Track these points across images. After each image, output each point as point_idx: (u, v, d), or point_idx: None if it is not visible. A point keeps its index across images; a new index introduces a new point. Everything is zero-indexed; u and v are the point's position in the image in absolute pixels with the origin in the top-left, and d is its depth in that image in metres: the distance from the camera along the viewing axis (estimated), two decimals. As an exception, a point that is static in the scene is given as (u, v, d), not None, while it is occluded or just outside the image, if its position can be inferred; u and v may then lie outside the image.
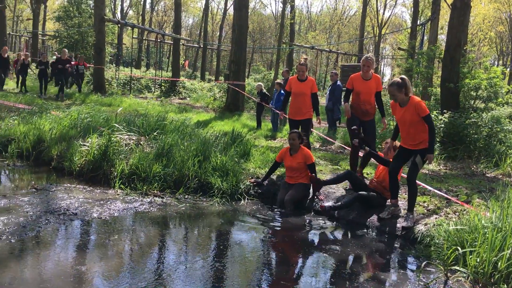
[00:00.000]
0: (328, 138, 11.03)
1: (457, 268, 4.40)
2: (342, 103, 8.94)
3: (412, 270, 4.70)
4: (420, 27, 22.93)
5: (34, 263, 4.31)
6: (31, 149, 8.64)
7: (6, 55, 18.14)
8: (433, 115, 10.74)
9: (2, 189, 6.97)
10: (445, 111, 10.70)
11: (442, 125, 10.28)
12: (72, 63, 18.56)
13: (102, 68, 20.40)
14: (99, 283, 4.01)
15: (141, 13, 46.29)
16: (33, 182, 7.18)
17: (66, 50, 18.06)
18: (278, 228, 6.07)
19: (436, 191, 6.72)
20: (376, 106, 7.44)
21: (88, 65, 21.42)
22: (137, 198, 6.71)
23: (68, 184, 7.17)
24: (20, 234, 4.90)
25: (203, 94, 24.45)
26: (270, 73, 29.48)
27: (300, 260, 5.02)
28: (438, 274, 4.49)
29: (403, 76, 5.87)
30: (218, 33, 46.67)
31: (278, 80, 14.98)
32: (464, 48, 12.06)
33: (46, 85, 17.72)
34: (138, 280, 4.08)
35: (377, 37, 40.85)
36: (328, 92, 13.15)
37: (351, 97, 7.39)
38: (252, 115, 17.50)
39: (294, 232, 5.89)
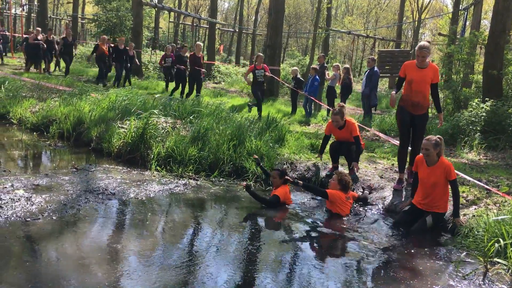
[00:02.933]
0: (362, 126, 10.85)
1: (498, 260, 4.29)
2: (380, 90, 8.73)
3: (450, 261, 4.60)
4: (462, 11, 22.15)
5: (74, 240, 4.44)
6: (71, 130, 8.87)
7: (51, 37, 18.11)
8: (474, 103, 10.42)
9: (44, 168, 7.21)
10: (487, 99, 10.34)
11: (484, 114, 9.94)
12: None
13: (139, 52, 20.64)
14: (134, 260, 4.10)
15: (177, -3, 46.49)
16: (73, 162, 7.39)
17: (123, 39, 17.02)
18: (312, 212, 6.04)
19: (475, 181, 6.53)
20: (431, 99, 6.77)
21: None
22: (172, 180, 6.81)
23: (107, 165, 7.34)
24: (61, 211, 5.06)
25: (238, 78, 24.46)
26: (305, 58, 29.17)
27: (336, 247, 4.99)
28: (477, 265, 4.38)
29: (439, 136, 5.60)
30: (253, 18, 46.48)
31: (313, 65, 14.83)
32: (509, 34, 11.57)
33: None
34: (172, 259, 4.15)
35: (416, 22, 39.74)
36: (364, 78, 12.92)
37: (403, 86, 6.70)
38: (286, 100, 17.41)
39: (332, 219, 5.85)
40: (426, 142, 5.45)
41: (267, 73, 12.21)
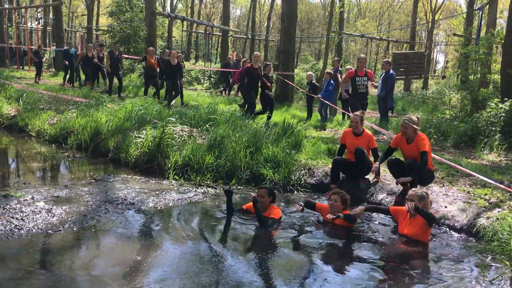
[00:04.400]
0: (378, 129, 10.75)
1: (525, 264, 4.19)
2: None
3: (475, 266, 4.50)
4: (477, 11, 21.91)
5: (95, 250, 4.46)
6: (89, 141, 8.95)
7: (102, 54, 16.58)
8: (493, 103, 10.26)
9: (63, 179, 7.28)
10: (506, 99, 10.16)
11: (503, 114, 9.77)
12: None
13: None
14: (155, 270, 4.09)
15: (189, 5, 46.84)
16: (91, 173, 7.44)
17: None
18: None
19: (497, 184, 6.41)
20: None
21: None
22: (190, 188, 6.81)
23: (125, 175, 7.38)
24: (81, 222, 5.09)
25: (252, 85, 24.45)
26: (318, 63, 29.08)
27: (355, 250, 4.92)
28: (504, 270, 4.29)
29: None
30: (265, 24, 46.59)
31: (328, 70, 14.77)
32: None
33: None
34: (193, 269, 4.13)
35: (430, 23, 39.40)
36: (380, 81, 12.80)
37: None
38: (301, 106, 17.36)
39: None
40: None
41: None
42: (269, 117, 11.83)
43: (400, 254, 4.84)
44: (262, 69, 12.27)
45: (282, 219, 5.61)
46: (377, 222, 5.84)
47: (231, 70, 20.59)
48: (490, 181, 6.50)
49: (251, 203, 5.55)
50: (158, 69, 15.18)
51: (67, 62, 18.12)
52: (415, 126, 6.22)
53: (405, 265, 4.58)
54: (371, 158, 7.04)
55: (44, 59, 19.97)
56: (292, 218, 5.83)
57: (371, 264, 4.55)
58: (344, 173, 7.16)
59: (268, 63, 13.64)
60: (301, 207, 5.65)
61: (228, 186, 5.69)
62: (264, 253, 4.65)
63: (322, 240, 5.18)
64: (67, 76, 18.25)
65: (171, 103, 13.57)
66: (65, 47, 19.99)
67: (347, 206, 5.60)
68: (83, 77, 17.96)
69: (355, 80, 9.76)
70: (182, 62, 15.98)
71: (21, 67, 25.77)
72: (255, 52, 12.75)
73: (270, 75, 13.05)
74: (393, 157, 6.67)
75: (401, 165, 6.40)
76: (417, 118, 6.36)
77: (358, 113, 7.24)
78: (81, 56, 16.41)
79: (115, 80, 15.84)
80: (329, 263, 4.55)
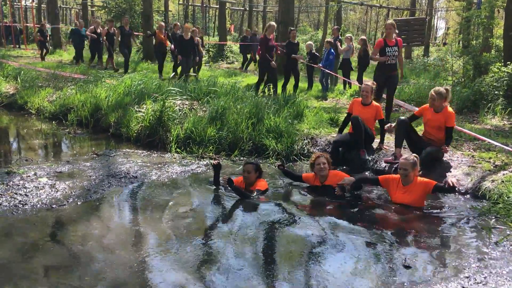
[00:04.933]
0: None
1: (531, 225, 4.19)
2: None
3: (481, 228, 4.50)
4: (478, -25, 21.45)
5: (100, 223, 4.45)
6: (89, 117, 8.90)
7: (113, 30, 15.17)
8: (495, 67, 10.13)
9: (65, 155, 7.26)
10: (509, 62, 10.03)
11: (506, 78, 9.65)
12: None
13: (150, 38, 20.48)
14: (159, 241, 4.09)
15: (185, -22, 46.02)
16: (93, 149, 7.42)
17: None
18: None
19: (503, 146, 6.37)
20: None
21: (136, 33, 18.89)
22: (193, 161, 6.79)
23: (127, 150, 7.35)
24: (85, 196, 5.08)
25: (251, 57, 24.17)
26: (317, 33, 28.68)
27: (360, 216, 4.91)
28: (508, 231, 4.28)
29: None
30: (263, -5, 45.75)
31: (328, 39, 14.56)
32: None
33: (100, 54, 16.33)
34: (197, 239, 4.13)
35: (430, -11, 38.67)
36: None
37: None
38: (302, 76, 17.17)
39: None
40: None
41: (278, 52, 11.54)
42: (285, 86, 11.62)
43: (400, 220, 4.81)
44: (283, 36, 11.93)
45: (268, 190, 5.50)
46: (371, 191, 5.78)
47: (247, 43, 20.07)
48: (495, 143, 6.46)
49: (240, 177, 5.52)
50: (169, 44, 14.48)
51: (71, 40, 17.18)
52: (447, 97, 6.18)
53: (407, 230, 4.58)
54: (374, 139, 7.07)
55: (48, 37, 19.46)
56: (282, 189, 5.80)
57: (370, 232, 4.53)
58: (349, 149, 7.05)
59: (292, 28, 12.93)
60: (280, 163, 5.88)
61: (216, 161, 5.55)
62: (266, 225, 4.65)
63: (314, 211, 5.17)
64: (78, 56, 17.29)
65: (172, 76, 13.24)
66: (74, 26, 19.23)
67: (331, 166, 5.64)
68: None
69: (384, 51, 8.06)
70: (201, 37, 15.29)
71: (17, 45, 25.48)
72: (270, 22, 11.78)
73: (296, 42, 12.36)
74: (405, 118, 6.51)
75: (410, 129, 6.38)
76: (446, 90, 6.22)
77: (369, 83, 7.18)
78: (105, 32, 15.12)
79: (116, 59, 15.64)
80: (324, 233, 4.52)
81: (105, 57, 15.82)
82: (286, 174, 5.95)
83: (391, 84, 8.23)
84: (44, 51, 18.31)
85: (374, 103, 7.11)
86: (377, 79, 8.06)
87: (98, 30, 15.44)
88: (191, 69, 13.83)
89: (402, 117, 6.63)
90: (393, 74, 8.22)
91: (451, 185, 4.79)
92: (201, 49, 14.96)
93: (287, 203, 5.30)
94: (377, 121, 7.12)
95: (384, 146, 6.97)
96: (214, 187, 5.59)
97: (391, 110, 8.72)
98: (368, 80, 7.80)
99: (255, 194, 5.23)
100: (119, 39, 14.69)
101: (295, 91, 11.46)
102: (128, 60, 14.68)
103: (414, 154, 5.29)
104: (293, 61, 11.87)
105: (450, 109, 6.19)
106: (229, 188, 5.30)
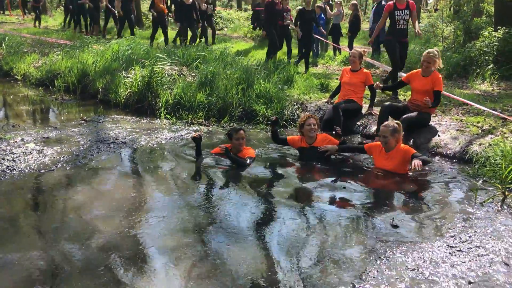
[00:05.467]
0: (372, 62, 10.59)
1: (517, 186, 4.25)
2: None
3: (467, 190, 4.56)
4: None
5: (90, 188, 4.44)
6: (76, 83, 8.77)
7: None
8: (486, 32, 10.09)
9: (53, 122, 7.18)
10: (499, 27, 9.99)
11: (496, 43, 9.63)
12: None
13: (138, 1, 20.05)
14: (151, 205, 4.09)
15: None
16: (81, 115, 7.34)
17: None
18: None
19: (490, 110, 6.40)
20: None
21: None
22: (183, 127, 6.76)
23: (115, 116, 7.28)
24: (74, 162, 5.04)
25: (241, 23, 23.82)
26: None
27: (347, 179, 4.96)
28: (495, 192, 4.34)
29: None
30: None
31: (318, 4, 14.35)
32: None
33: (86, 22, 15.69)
34: (188, 203, 4.15)
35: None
36: (372, 14, 12.50)
37: None
38: (292, 42, 16.98)
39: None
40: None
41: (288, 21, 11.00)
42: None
43: (387, 183, 4.84)
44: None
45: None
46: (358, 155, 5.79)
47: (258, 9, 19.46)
48: (483, 108, 6.50)
49: (218, 148, 5.29)
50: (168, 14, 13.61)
51: (70, 6, 15.97)
52: (440, 61, 6.14)
53: (394, 192, 4.64)
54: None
55: (41, 3, 18.84)
56: (271, 154, 5.78)
57: (358, 194, 4.59)
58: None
59: None
60: (275, 117, 5.69)
61: (197, 133, 5.32)
62: (257, 186, 4.67)
63: (302, 175, 5.19)
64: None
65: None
66: None
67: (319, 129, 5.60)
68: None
69: (394, 15, 7.58)
70: (210, 3, 14.46)
71: (1, 11, 24.84)
72: None
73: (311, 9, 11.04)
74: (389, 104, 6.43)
75: (393, 110, 6.30)
76: (437, 51, 6.20)
77: (358, 48, 7.14)
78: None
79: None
80: (312, 196, 4.56)
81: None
82: (273, 135, 5.75)
83: (403, 51, 7.72)
84: (37, 20, 17.72)
85: (364, 69, 7.09)
86: (389, 46, 7.68)
87: None
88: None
89: (387, 103, 6.57)
90: (404, 40, 7.68)
91: (414, 167, 4.63)
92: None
93: (276, 168, 5.33)
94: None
95: (374, 111, 6.97)
96: (198, 159, 5.36)
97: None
98: (359, 47, 7.76)
99: (248, 161, 5.18)
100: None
101: (289, 58, 11.24)
102: (132, 25, 14.19)
103: (396, 121, 5.21)
104: (308, 32, 10.64)
105: (438, 73, 6.18)
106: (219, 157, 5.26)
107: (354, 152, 5.65)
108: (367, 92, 7.21)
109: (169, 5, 14.77)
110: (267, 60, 10.19)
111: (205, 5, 13.38)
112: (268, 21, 10.57)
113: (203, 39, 13.85)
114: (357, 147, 5.62)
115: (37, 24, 17.65)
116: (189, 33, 12.40)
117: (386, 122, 5.27)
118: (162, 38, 13.06)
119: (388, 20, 7.97)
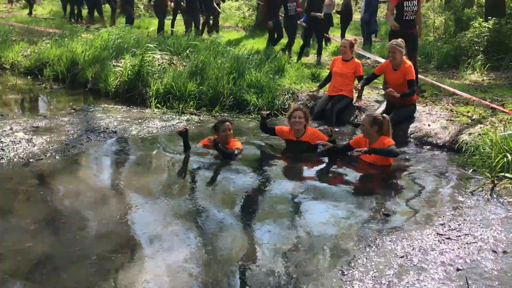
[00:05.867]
0: (363, 52, 10.59)
1: (506, 175, 4.28)
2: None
3: (457, 178, 4.60)
4: None
5: (80, 177, 4.42)
6: (66, 71, 8.67)
7: None
8: (477, 23, 10.12)
9: (42, 111, 7.11)
10: (490, 17, 10.02)
11: (487, 34, 9.67)
12: None
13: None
14: (141, 194, 4.08)
15: None
16: (71, 104, 7.27)
17: None
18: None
19: (480, 100, 6.45)
20: None
21: None
22: (174, 116, 6.72)
23: (105, 105, 7.22)
24: (64, 151, 5.00)
25: (232, 13, 23.70)
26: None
27: (338, 170, 4.98)
28: (485, 181, 4.38)
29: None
30: None
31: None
32: None
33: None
34: (178, 191, 4.16)
35: None
36: (363, 3, 12.48)
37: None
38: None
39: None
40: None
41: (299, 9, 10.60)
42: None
43: (377, 172, 4.84)
44: None
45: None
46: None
47: None
48: (474, 98, 6.54)
49: (206, 140, 5.18)
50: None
51: None
52: (403, 50, 6.09)
53: (385, 182, 4.68)
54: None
55: None
56: (260, 145, 5.70)
57: (348, 184, 4.62)
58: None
59: None
60: (266, 113, 5.59)
61: (181, 128, 5.10)
62: (247, 175, 4.67)
63: (291, 166, 5.17)
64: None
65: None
66: None
67: (308, 122, 5.44)
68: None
69: (402, 6, 7.15)
70: None
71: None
72: None
73: None
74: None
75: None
76: (402, 41, 6.20)
77: (348, 38, 7.11)
78: None
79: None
80: (302, 187, 4.56)
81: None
82: (261, 126, 5.66)
83: (411, 43, 7.06)
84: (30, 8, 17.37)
85: (355, 59, 7.07)
86: (391, 38, 7.14)
87: None
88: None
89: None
90: (410, 31, 7.20)
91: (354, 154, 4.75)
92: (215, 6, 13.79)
93: (265, 158, 5.33)
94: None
95: (362, 103, 6.94)
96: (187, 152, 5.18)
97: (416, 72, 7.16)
98: (350, 37, 7.74)
99: (236, 152, 5.09)
100: None
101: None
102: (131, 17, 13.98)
103: (383, 115, 5.05)
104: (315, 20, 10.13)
105: (407, 62, 6.13)
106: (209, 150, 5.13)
107: (343, 153, 5.28)
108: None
109: None
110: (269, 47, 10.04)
111: None
112: (272, 11, 10.47)
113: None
114: (345, 147, 5.28)
115: (30, 13, 17.21)
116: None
117: (368, 113, 5.20)
118: (154, 27, 12.92)
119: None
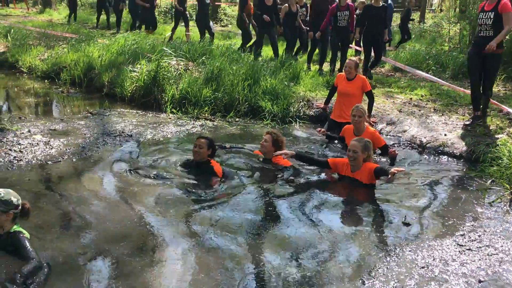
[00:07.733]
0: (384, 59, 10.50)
1: (525, 186, 4.24)
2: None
3: (475, 189, 4.55)
4: None
5: (95, 180, 4.44)
6: (82, 76, 8.74)
7: None
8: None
9: (59, 114, 7.17)
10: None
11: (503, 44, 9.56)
12: None
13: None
14: (155, 197, 4.09)
15: None
16: (87, 108, 7.33)
17: None
18: (328, 151, 5.91)
19: (499, 104, 6.38)
20: None
21: None
22: (188, 121, 6.75)
23: (121, 109, 7.27)
24: (80, 154, 5.04)
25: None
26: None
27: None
28: (503, 193, 4.33)
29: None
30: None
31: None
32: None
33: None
34: (191, 196, 4.15)
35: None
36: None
37: None
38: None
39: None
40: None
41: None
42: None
43: (396, 183, 4.81)
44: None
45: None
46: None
47: None
48: (501, 104, 6.47)
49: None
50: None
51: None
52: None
53: (405, 191, 4.62)
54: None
55: None
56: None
57: (366, 194, 4.55)
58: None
59: None
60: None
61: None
62: (261, 183, 4.66)
63: (304, 175, 5.05)
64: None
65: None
66: None
67: (280, 148, 4.95)
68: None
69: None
70: None
71: (5, 4, 24.83)
72: None
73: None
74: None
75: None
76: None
77: (354, 58, 6.96)
78: None
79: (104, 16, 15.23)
80: (318, 197, 4.56)
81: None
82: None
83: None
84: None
85: (359, 75, 6.71)
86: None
87: None
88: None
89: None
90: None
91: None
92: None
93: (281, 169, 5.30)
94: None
95: (372, 120, 6.68)
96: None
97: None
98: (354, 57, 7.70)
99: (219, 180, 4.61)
100: None
101: (296, 54, 11.12)
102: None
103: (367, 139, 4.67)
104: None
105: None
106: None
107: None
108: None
109: None
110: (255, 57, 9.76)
111: None
112: (284, 20, 10.27)
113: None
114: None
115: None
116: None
117: (357, 138, 4.71)
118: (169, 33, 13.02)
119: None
